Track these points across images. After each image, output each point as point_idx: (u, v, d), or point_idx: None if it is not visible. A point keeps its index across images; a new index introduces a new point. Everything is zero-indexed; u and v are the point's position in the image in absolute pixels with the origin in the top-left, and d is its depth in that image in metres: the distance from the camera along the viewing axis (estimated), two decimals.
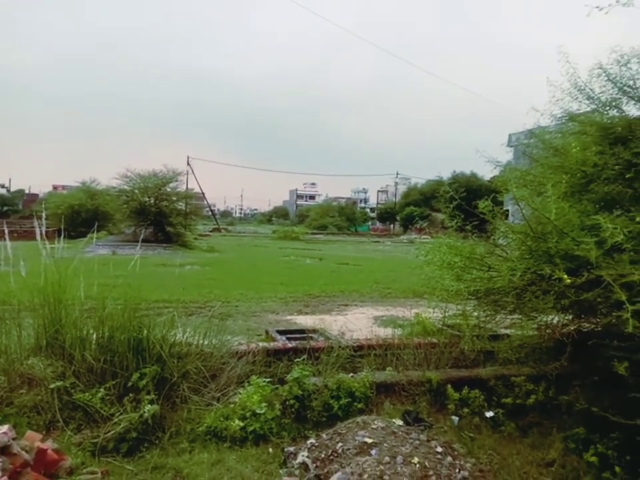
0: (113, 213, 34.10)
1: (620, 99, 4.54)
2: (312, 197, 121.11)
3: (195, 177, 50.32)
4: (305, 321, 8.53)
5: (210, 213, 61.69)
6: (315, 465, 3.46)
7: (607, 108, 4.67)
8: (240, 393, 4.22)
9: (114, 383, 4.09)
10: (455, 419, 4.39)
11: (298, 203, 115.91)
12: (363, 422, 3.84)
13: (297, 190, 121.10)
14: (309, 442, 3.78)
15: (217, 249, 26.43)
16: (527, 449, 3.94)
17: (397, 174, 75.86)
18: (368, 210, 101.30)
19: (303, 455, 3.58)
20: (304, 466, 3.48)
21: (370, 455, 3.38)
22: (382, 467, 3.18)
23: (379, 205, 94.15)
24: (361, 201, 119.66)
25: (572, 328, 4.00)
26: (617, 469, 3.32)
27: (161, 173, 30.34)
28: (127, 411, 3.85)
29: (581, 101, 4.79)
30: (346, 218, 71.33)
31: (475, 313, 4.34)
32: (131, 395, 4.01)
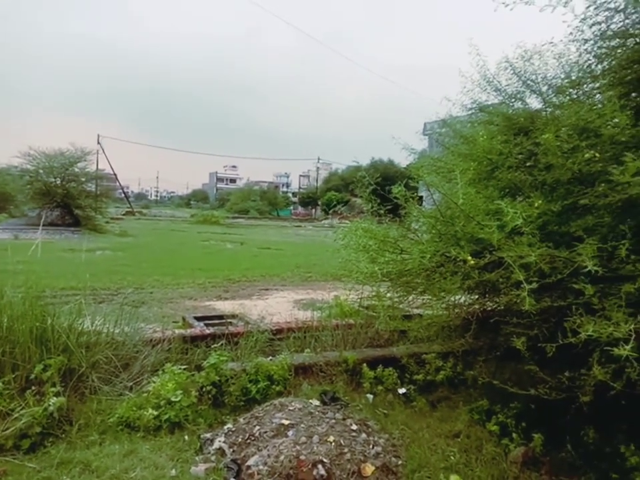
0: (14, 195, 31.54)
1: (524, 92, 4.81)
2: (233, 181, 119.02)
3: (106, 157, 47.86)
4: (224, 306, 8.41)
5: (123, 195, 58.86)
6: (231, 450, 3.44)
7: (513, 100, 4.93)
8: (154, 382, 4.09)
9: (14, 376, 3.82)
10: (370, 396, 4.54)
11: (218, 186, 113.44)
12: (281, 404, 3.87)
13: (216, 173, 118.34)
14: (225, 427, 3.75)
15: (130, 233, 25.32)
16: (436, 422, 4.16)
17: (319, 159, 76.50)
18: (290, 194, 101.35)
19: (219, 441, 3.55)
20: (220, 451, 3.45)
21: (287, 436, 3.41)
22: (298, 447, 3.23)
23: (301, 190, 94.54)
24: (283, 185, 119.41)
25: (477, 307, 4.26)
26: (515, 435, 3.61)
27: (68, 152, 28.42)
28: (30, 405, 3.61)
29: (489, 93, 5.03)
30: (268, 202, 71.06)
31: (389, 294, 4.49)
32: (34, 387, 3.77)
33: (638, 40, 3.68)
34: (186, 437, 3.75)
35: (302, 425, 3.55)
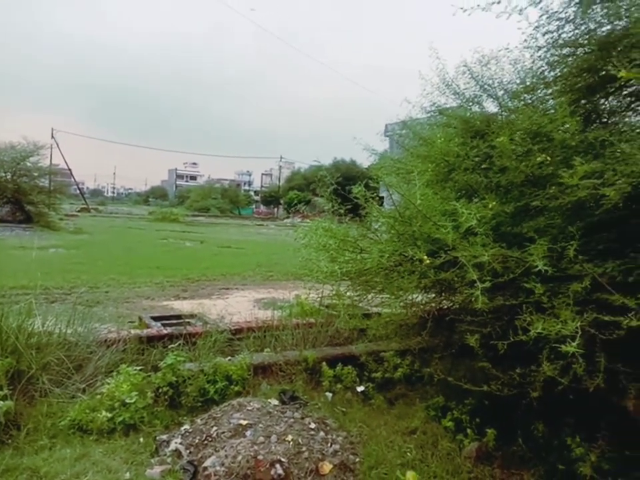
0: None
1: (481, 95, 4.92)
2: (193, 178, 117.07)
3: (61, 152, 46.34)
4: (182, 306, 8.27)
5: (78, 191, 57.09)
6: (188, 451, 3.39)
7: (470, 103, 5.04)
8: (108, 383, 3.99)
9: None
10: (329, 395, 4.56)
11: (178, 183, 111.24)
12: (239, 404, 3.84)
13: (176, 169, 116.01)
14: (182, 428, 3.69)
15: (85, 231, 24.54)
16: (393, 419, 4.22)
17: (281, 158, 76.06)
18: (252, 193, 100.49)
19: (176, 442, 3.49)
20: (177, 453, 3.40)
21: (245, 436, 3.39)
22: (256, 447, 3.21)
23: (263, 188, 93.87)
24: (245, 184, 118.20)
25: (433, 305, 4.35)
26: (469, 430, 3.70)
27: (20, 146, 27.16)
28: None
29: (448, 96, 5.12)
30: (229, 200, 70.27)
31: (349, 293, 4.52)
32: None
33: (587, 50, 3.84)
34: (141, 439, 3.66)
35: (260, 425, 3.53)
